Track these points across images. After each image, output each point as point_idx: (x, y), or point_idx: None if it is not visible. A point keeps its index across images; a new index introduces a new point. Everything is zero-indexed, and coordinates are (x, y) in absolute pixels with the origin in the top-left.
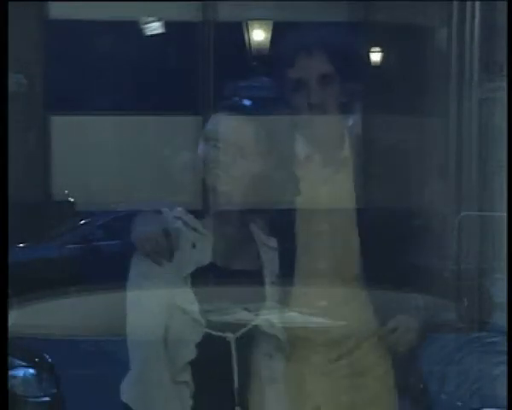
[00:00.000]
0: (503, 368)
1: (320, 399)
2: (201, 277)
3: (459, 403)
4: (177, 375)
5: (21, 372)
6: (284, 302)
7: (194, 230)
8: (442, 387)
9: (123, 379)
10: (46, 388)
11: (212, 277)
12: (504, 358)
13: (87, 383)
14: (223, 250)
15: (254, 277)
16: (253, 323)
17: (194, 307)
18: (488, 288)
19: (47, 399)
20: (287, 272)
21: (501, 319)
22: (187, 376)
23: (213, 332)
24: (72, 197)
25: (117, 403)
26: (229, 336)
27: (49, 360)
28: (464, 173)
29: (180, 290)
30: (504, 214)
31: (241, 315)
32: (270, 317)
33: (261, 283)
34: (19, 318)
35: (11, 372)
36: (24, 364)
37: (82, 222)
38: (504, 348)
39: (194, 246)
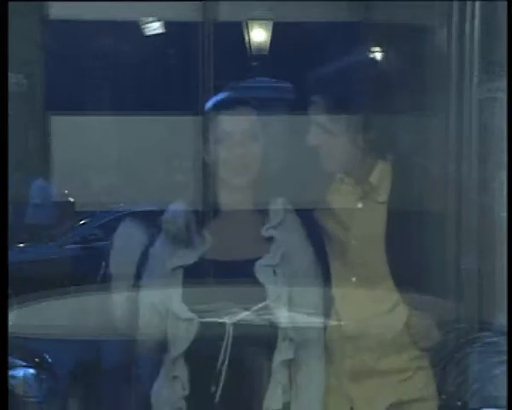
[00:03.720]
0: (503, 368)
1: (354, 401)
2: (197, 276)
3: (459, 403)
4: (170, 371)
5: (21, 372)
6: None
7: (197, 232)
8: (442, 387)
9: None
10: (46, 388)
11: (210, 276)
12: (504, 358)
13: (87, 383)
14: (226, 249)
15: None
16: (251, 322)
17: (184, 307)
18: (488, 287)
19: (47, 399)
20: (320, 277)
21: (501, 319)
22: (179, 371)
23: (208, 332)
24: (72, 197)
25: (117, 403)
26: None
27: (49, 360)
28: (464, 173)
29: (170, 289)
30: (504, 214)
31: (240, 315)
32: (268, 316)
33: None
34: (19, 318)
35: (11, 372)
36: (24, 364)
37: (82, 222)
38: (504, 348)
39: (187, 246)
